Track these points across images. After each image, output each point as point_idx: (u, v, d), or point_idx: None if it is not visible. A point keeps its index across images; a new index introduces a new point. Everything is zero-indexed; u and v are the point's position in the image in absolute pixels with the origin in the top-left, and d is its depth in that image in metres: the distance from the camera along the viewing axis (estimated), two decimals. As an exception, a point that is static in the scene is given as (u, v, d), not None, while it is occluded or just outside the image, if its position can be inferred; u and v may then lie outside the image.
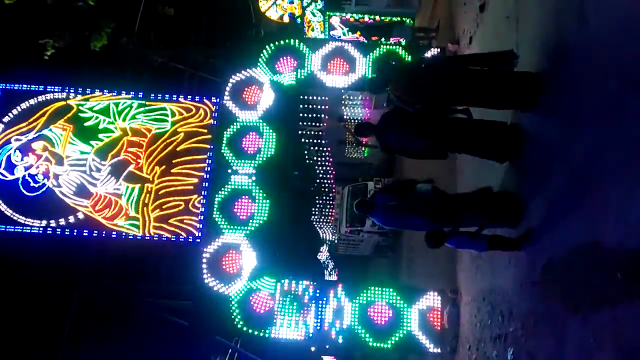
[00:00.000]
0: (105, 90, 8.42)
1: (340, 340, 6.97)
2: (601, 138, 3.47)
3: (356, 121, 16.41)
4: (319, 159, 16.72)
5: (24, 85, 8.43)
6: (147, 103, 8.35)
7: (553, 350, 3.83)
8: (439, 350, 6.86)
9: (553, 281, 4.02)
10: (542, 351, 4.06)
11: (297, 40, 8.04)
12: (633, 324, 2.90)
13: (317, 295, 7.11)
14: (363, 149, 19.66)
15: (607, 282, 3.16)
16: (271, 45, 8.01)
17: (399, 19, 15.72)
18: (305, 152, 15.08)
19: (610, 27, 3.48)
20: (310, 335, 7.01)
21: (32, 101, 8.35)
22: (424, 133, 4.97)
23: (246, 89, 7.97)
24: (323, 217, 18.53)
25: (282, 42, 8.05)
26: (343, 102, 16.69)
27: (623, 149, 3.20)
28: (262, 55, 7.97)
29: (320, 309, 7.04)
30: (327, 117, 15.05)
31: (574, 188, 3.80)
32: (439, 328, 6.90)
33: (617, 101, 3.29)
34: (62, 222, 7.88)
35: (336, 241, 17.93)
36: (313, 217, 17.51)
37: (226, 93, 8.01)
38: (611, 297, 3.12)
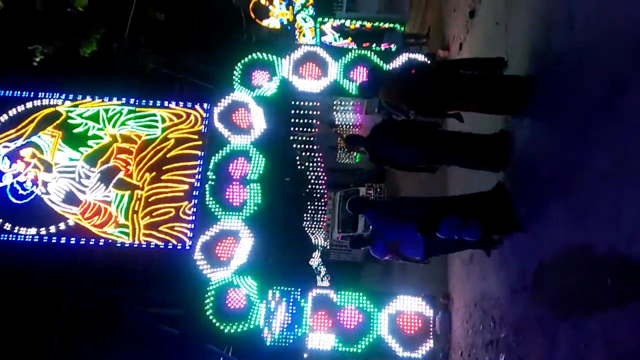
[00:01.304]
0: (94, 97, 8.34)
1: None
2: (590, 142, 3.48)
3: (348, 127, 16.46)
4: (311, 164, 16.70)
5: (12, 92, 8.30)
6: (137, 109, 8.28)
7: (544, 355, 3.83)
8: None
9: (544, 286, 4.02)
10: (533, 357, 4.05)
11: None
12: (624, 329, 2.89)
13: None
14: (354, 154, 19.67)
15: (597, 287, 3.16)
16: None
17: (390, 25, 15.79)
18: (297, 157, 15.07)
19: (598, 31, 3.50)
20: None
21: (20, 107, 8.23)
22: (413, 143, 4.96)
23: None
24: (315, 223, 18.50)
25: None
26: (334, 107, 16.70)
27: (612, 152, 3.21)
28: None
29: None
30: (318, 122, 15.04)
31: (564, 192, 3.80)
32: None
33: (607, 105, 3.30)
34: (48, 230, 7.77)
35: (328, 247, 17.92)
36: (305, 223, 17.47)
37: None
38: (602, 302, 3.12)
